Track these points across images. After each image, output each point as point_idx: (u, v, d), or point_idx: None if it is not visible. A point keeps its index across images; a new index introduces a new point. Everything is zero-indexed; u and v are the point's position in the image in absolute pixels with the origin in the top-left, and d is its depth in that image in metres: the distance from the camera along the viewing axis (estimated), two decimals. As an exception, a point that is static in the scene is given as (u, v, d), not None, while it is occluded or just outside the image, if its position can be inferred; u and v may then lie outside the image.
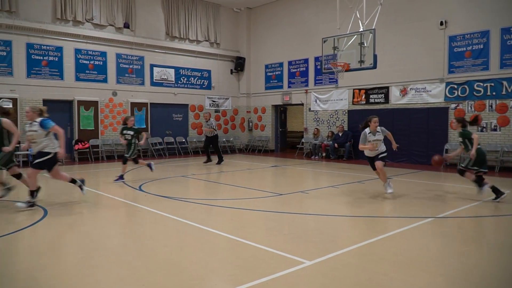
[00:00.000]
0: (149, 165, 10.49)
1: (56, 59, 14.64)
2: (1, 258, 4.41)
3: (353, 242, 4.85)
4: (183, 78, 18.10)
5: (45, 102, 14.28)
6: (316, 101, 17.02)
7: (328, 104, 16.58)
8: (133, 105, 16.38)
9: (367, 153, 7.95)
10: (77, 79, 15.14)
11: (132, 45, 16.41)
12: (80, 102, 15.06)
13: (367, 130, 7.76)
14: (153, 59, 17.13)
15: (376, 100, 14.93)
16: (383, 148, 7.85)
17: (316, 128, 16.66)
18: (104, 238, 5.24)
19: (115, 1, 15.86)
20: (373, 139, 7.74)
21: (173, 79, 17.80)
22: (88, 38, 15.27)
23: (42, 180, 10.03)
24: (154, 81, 17.20)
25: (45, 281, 3.75)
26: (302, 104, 17.69)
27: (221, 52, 19.21)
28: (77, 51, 15.11)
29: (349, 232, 5.53)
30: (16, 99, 13.64)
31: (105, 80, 15.83)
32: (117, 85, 16.11)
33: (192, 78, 18.44)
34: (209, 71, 18.99)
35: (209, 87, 19.04)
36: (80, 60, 15.19)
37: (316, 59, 16.65)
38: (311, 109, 17.21)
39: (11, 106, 13.45)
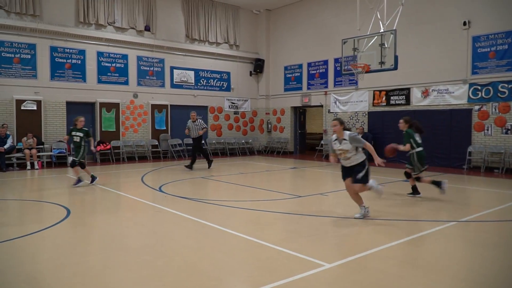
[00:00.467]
0: (92, 178, 9.57)
1: (79, 62, 14.95)
2: (26, 256, 4.51)
3: (373, 245, 4.78)
4: (202, 80, 18.24)
5: (68, 104, 14.61)
6: (335, 102, 16.89)
7: (347, 106, 16.43)
8: (154, 107, 16.58)
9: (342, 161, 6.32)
10: (99, 81, 15.42)
11: (152, 48, 16.62)
12: (102, 104, 15.33)
13: (334, 136, 6.21)
14: (173, 61, 17.31)
15: (397, 102, 14.72)
16: (357, 159, 6.04)
17: (336, 130, 16.51)
18: (125, 238, 5.30)
19: (136, 4, 16.11)
20: (338, 148, 6.10)
21: (193, 81, 17.94)
22: (110, 41, 15.54)
23: (64, 181, 10.25)
24: (174, 83, 17.38)
25: (68, 279, 3.81)
26: (322, 106, 17.59)
27: (240, 54, 19.27)
28: (99, 54, 15.39)
29: (369, 235, 5.45)
30: (40, 101, 13.97)
31: (126, 83, 16.07)
32: (138, 87, 16.34)
33: (212, 80, 18.56)
34: (228, 73, 19.08)
35: (228, 89, 19.12)
36: (102, 63, 15.46)
37: (336, 60, 16.54)
38: (331, 111, 17.09)
39: (35, 107, 13.79)
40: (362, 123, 15.78)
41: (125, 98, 16.00)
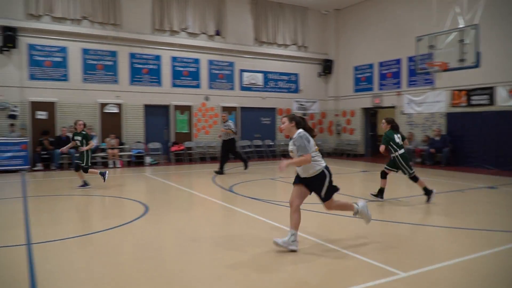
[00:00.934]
0: (102, 174, 9.53)
1: (155, 67, 15.78)
2: (110, 248, 4.85)
3: (453, 256, 4.49)
4: (271, 82, 18.38)
5: (146, 107, 15.46)
6: (409, 103, 16.14)
7: (423, 107, 15.61)
8: (224, 109, 17.03)
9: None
10: (173, 85, 16.16)
11: (222, 52, 17.08)
12: (176, 107, 16.05)
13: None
14: (242, 64, 17.65)
15: (479, 102, 13.70)
16: (314, 169, 4.70)
17: (410, 132, 15.78)
18: (198, 235, 5.49)
19: (207, 10, 16.65)
20: (289, 150, 4.89)
21: (262, 83, 18.15)
22: (183, 47, 16.23)
23: (136, 180, 10.82)
24: (243, 85, 17.71)
25: (146, 272, 4.02)
26: (394, 107, 16.90)
27: (308, 55, 19.15)
28: (173, 59, 16.13)
29: (448, 245, 5.13)
30: (121, 104, 14.97)
31: (198, 86, 16.68)
32: (209, 90, 16.86)
33: (280, 82, 18.64)
34: (296, 75, 19.04)
35: (296, 90, 19.08)
36: (175, 67, 16.19)
37: (410, 59, 15.80)
38: (404, 112, 16.36)
39: (116, 110, 14.79)
40: (439, 125, 14.91)
41: (197, 100, 16.60)
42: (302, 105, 19.21)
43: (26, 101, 13.56)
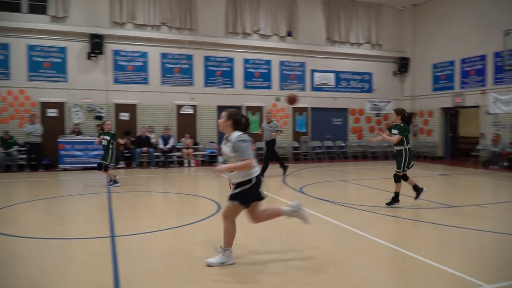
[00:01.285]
0: (114, 181, 9.65)
1: (228, 69, 16.20)
2: (185, 243, 5.06)
3: (547, 270, 4.07)
4: (343, 82, 18.01)
5: (219, 108, 15.91)
6: (495, 102, 14.91)
7: (511, 106, 14.34)
8: (295, 110, 17.00)
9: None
10: (245, 86, 16.47)
11: (294, 52, 17.07)
12: (248, 108, 16.34)
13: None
14: (314, 64, 17.49)
15: None
16: (238, 177, 4.25)
17: (496, 134, 14.57)
18: (266, 235, 5.53)
19: (279, 11, 16.74)
20: (223, 152, 4.42)
21: (333, 83, 17.85)
22: (254, 48, 16.48)
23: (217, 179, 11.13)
24: (314, 86, 17.55)
25: (218, 268, 4.14)
26: (478, 107, 15.72)
27: (383, 54, 18.47)
28: (246, 60, 16.43)
29: (542, 257, 4.66)
30: (195, 106, 15.58)
31: (269, 87, 16.83)
32: (280, 91, 16.93)
33: (352, 82, 18.19)
34: (370, 74, 18.46)
35: (369, 90, 18.50)
36: (247, 69, 16.49)
37: (496, 54, 14.58)
38: (489, 112, 15.14)
39: (191, 111, 15.40)
40: (530, 126, 13.60)
41: (268, 101, 16.75)
42: (375, 105, 18.58)
43: (111, 103, 14.62)
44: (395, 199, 7.25)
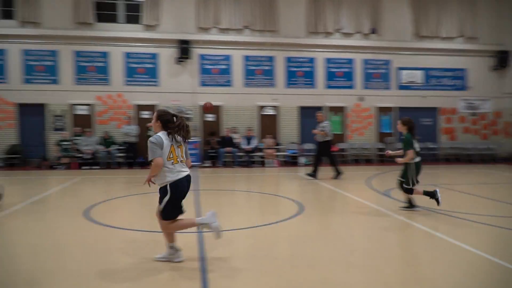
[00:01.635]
0: None
1: (310, 69, 16.10)
2: (266, 243, 5.12)
3: None
4: (432, 80, 16.94)
5: (301, 109, 15.87)
6: None
7: None
8: (380, 110, 16.37)
9: None
10: (327, 86, 16.24)
11: (378, 50, 16.45)
12: (330, 108, 16.09)
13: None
14: (400, 61, 16.69)
15: None
16: (160, 179, 4.18)
17: None
18: (350, 239, 5.38)
19: (362, 8, 16.24)
20: None
21: (422, 81, 16.87)
22: (336, 47, 16.19)
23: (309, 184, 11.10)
24: (400, 84, 16.74)
25: (301, 270, 4.12)
26: None
27: (478, 48, 17.02)
28: (327, 60, 16.20)
29: None
30: (277, 106, 15.72)
31: (352, 86, 16.40)
32: (364, 90, 16.42)
33: (443, 79, 17.03)
34: (463, 70, 17.13)
35: (463, 87, 17.17)
36: (329, 69, 16.24)
37: None
38: None
39: (273, 112, 15.55)
40: None
41: (351, 101, 16.33)
42: (470, 104, 17.19)
43: (197, 105, 15.32)
44: (411, 205, 6.94)
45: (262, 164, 14.92)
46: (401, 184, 6.87)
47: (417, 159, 6.71)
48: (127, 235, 5.44)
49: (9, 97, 14.34)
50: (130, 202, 8.19)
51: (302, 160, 15.20)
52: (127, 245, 4.96)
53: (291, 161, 15.38)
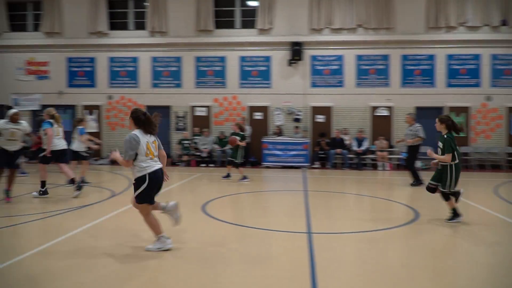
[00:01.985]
0: (244, 177, 10.78)
1: (429, 67, 15.08)
2: (377, 249, 5.00)
3: None
4: None
5: (417, 109, 14.93)
6: None
7: None
8: (510, 110, 14.65)
9: None
10: (448, 85, 15.04)
11: (509, 44, 14.69)
12: (451, 108, 14.86)
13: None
14: (539, 55, 14.69)
15: None
16: (135, 174, 4.63)
17: None
18: (473, 250, 4.98)
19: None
20: None
21: None
22: (460, 42, 14.88)
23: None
24: (539, 81, 14.76)
25: (418, 281, 3.95)
26: None
27: None
28: (449, 56, 14.99)
29: None
30: (392, 107, 15.05)
31: (477, 85, 14.95)
32: (492, 88, 14.85)
33: None
34: None
35: None
36: (451, 66, 15.01)
37: None
38: None
39: (387, 113, 14.97)
40: None
41: (476, 101, 14.89)
42: None
43: (308, 106, 15.43)
44: (456, 214, 6.30)
45: (373, 167, 14.44)
46: (430, 189, 6.43)
47: (458, 160, 6.11)
48: (242, 231, 5.77)
49: (140, 100, 16.11)
50: (241, 200, 8.64)
51: (417, 163, 14.30)
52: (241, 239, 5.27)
53: (405, 165, 14.58)
